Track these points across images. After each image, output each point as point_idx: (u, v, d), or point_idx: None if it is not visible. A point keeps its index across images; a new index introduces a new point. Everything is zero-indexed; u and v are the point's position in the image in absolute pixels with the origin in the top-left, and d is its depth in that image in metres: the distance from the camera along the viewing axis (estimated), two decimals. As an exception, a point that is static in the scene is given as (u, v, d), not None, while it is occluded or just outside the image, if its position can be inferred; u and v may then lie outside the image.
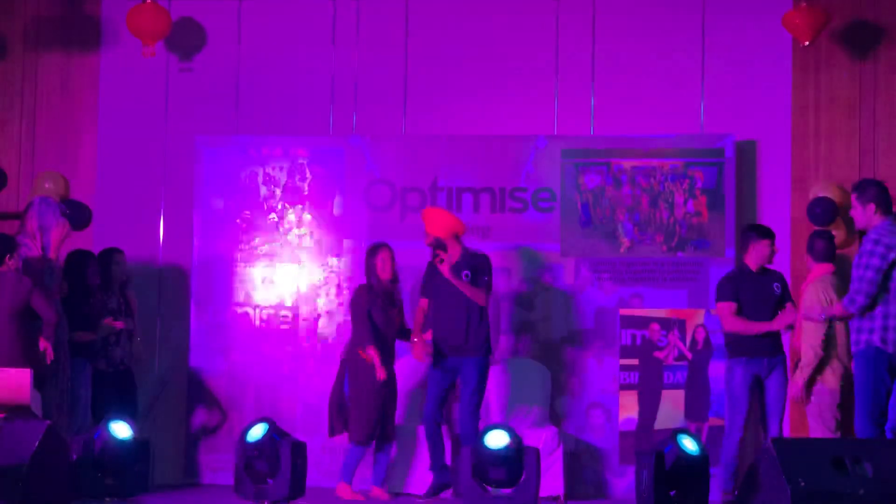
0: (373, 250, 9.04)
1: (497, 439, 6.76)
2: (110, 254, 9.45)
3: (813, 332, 8.47)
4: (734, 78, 9.91)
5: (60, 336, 8.62)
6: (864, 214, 7.70)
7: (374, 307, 8.89)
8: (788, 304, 8.55)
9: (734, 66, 9.93)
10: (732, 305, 8.54)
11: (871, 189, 7.72)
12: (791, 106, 9.87)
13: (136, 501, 6.89)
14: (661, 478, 6.56)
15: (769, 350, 8.52)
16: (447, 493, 8.75)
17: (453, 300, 8.81)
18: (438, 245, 8.88)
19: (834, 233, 9.14)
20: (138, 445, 7.01)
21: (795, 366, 8.65)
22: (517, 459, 6.73)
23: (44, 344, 8.14)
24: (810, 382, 8.51)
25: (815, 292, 8.54)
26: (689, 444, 6.63)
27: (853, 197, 7.76)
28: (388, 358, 8.90)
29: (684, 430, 6.81)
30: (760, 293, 8.56)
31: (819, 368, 8.47)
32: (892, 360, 7.57)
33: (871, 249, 7.56)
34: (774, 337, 8.56)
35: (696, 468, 6.61)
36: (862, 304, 7.53)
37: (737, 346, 8.53)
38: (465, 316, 8.83)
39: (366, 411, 8.77)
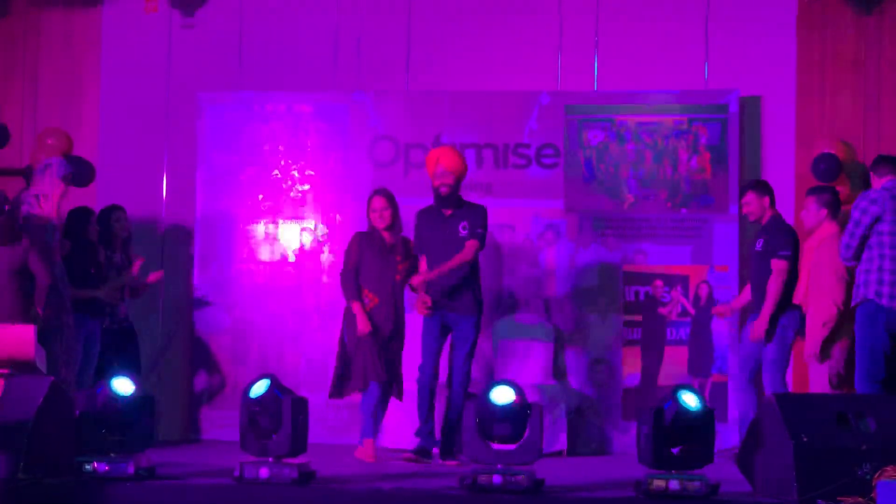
0: (370, 197, 8.76)
1: (502, 395, 6.76)
2: (111, 211, 9.43)
3: (835, 289, 8.44)
4: (739, 33, 9.86)
5: (63, 293, 8.62)
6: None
7: (370, 254, 8.61)
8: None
9: (739, 21, 9.88)
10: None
11: (886, 165, 7.95)
12: (796, 61, 9.82)
13: (140, 456, 6.91)
14: (660, 434, 6.58)
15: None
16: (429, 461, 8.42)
17: (445, 255, 8.49)
18: (453, 189, 8.52)
19: (838, 189, 9.11)
20: (142, 401, 7.02)
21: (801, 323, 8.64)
22: (521, 415, 6.74)
23: (38, 305, 8.16)
24: (830, 341, 8.48)
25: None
26: (689, 400, 6.63)
27: (871, 173, 7.96)
28: (388, 307, 8.58)
29: (687, 386, 6.80)
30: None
31: (841, 328, 8.43)
32: (890, 316, 7.59)
33: (855, 203, 7.88)
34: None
35: (699, 424, 6.61)
36: (849, 252, 7.81)
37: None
38: (462, 273, 8.52)
39: (360, 359, 8.48)
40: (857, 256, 7.83)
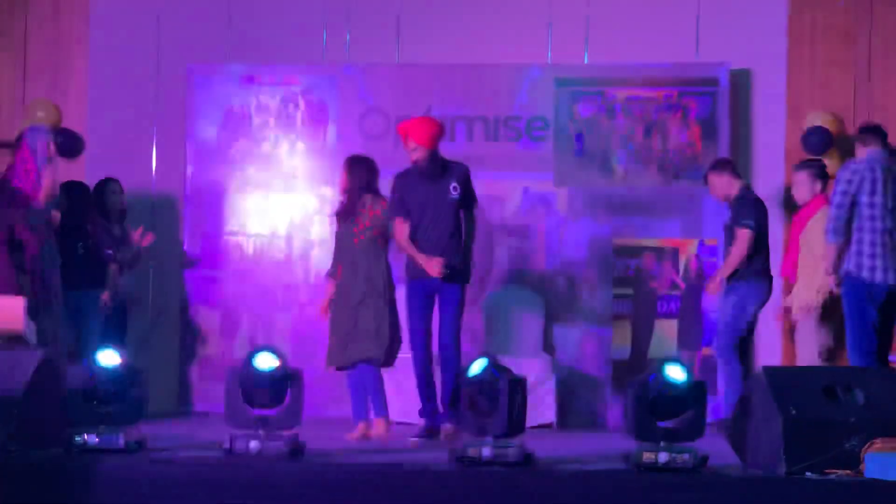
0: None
1: (476, 367, 6.78)
2: (105, 183, 9.45)
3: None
4: (729, 6, 9.83)
5: (53, 265, 8.61)
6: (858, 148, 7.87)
7: (337, 226, 8.38)
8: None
9: (729, -7, 9.87)
10: None
11: (870, 133, 7.93)
12: (787, 34, 9.81)
13: (131, 429, 6.91)
14: (647, 407, 6.59)
15: None
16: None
17: (435, 220, 8.15)
18: (430, 158, 8.12)
19: (828, 163, 9.12)
20: (131, 372, 7.00)
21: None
22: (496, 388, 6.76)
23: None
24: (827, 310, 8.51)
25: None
26: (675, 373, 6.63)
27: (856, 143, 7.95)
28: (352, 274, 8.22)
29: (673, 359, 6.80)
30: None
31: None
32: (872, 289, 7.63)
33: (837, 176, 7.89)
34: None
35: (687, 397, 6.61)
36: (832, 229, 7.79)
37: None
38: (448, 237, 8.18)
39: (332, 337, 8.24)
40: (844, 233, 7.82)
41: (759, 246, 8.64)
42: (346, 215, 8.28)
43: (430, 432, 8.09)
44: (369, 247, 8.22)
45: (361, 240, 8.22)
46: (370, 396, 8.21)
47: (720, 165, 8.91)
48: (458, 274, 8.17)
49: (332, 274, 8.38)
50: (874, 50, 9.74)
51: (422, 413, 8.25)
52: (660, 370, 6.67)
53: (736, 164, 9.18)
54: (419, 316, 8.20)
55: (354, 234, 8.22)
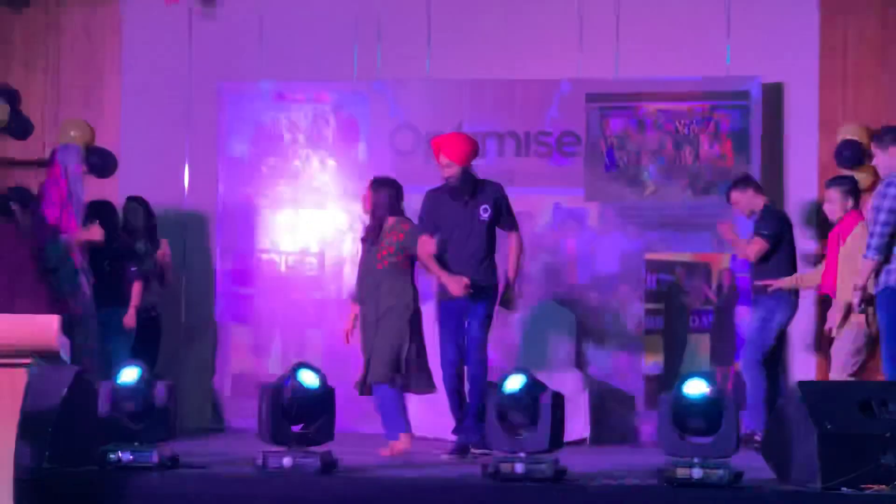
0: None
1: (514, 383, 6.75)
2: (126, 202, 9.53)
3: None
4: (760, 19, 9.82)
5: (89, 284, 8.69)
6: (886, 158, 7.68)
7: (362, 249, 8.24)
8: None
9: (761, 6, 9.84)
10: None
11: (891, 133, 7.71)
12: (819, 48, 9.77)
13: (164, 446, 6.93)
14: (672, 422, 6.57)
15: None
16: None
17: (464, 240, 8.04)
18: (462, 177, 7.99)
19: (861, 177, 9.07)
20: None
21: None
22: (535, 404, 6.74)
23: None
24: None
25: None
26: (699, 387, 6.60)
27: (872, 145, 7.77)
28: (371, 298, 8.08)
29: (698, 373, 6.76)
30: None
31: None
32: None
33: (884, 192, 7.58)
34: None
35: (713, 411, 6.57)
36: (878, 245, 7.55)
37: None
38: (476, 258, 8.06)
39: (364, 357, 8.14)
40: (886, 251, 7.71)
41: (786, 260, 8.70)
42: (370, 239, 8.16)
43: (462, 450, 8.00)
44: (392, 270, 8.06)
45: (385, 265, 8.06)
46: (385, 418, 8.10)
47: (743, 182, 8.97)
48: (484, 292, 8.04)
49: (355, 298, 8.26)
50: (907, 63, 9.70)
51: (455, 430, 8.17)
52: (688, 385, 6.64)
53: (766, 178, 9.19)
54: (450, 336, 8.09)
55: (378, 260, 8.08)
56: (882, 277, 7.71)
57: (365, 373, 8.11)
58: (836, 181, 8.76)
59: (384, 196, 8.15)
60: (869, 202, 8.04)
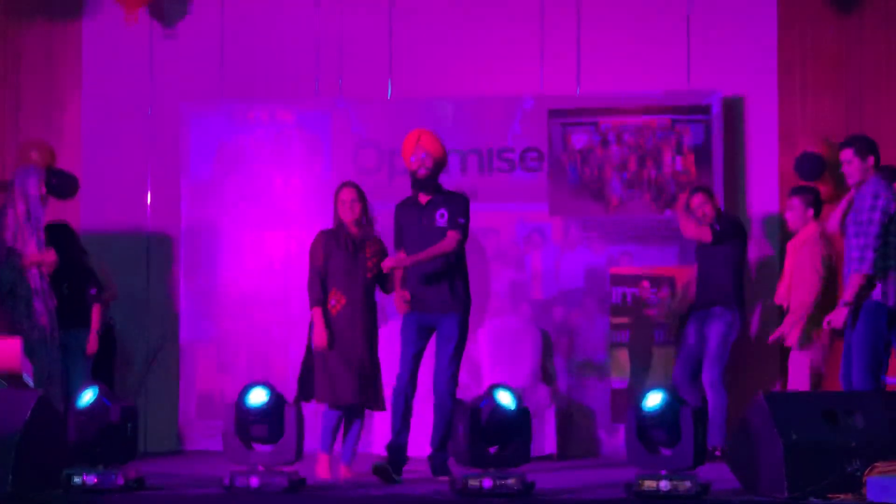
0: (337, 189, 8.02)
1: (654, 400, 6.69)
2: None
3: (813, 283, 8.51)
4: (720, 34, 9.88)
5: (48, 307, 8.63)
6: (862, 168, 7.67)
7: (337, 252, 7.87)
8: None
9: (720, 22, 9.89)
10: None
11: (871, 144, 7.72)
12: (777, 61, 9.84)
13: (129, 467, 6.89)
14: (639, 436, 6.59)
15: None
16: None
17: (422, 245, 7.78)
18: (432, 173, 7.84)
19: (821, 188, 9.14)
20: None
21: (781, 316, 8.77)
22: (512, 419, 6.74)
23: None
24: (809, 328, 8.53)
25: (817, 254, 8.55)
26: (653, 400, 6.63)
27: (850, 151, 7.70)
28: (357, 308, 7.82)
29: (659, 387, 6.78)
30: None
31: (816, 320, 8.43)
32: (892, 313, 7.56)
33: (871, 204, 7.55)
34: None
35: (678, 425, 6.58)
36: (872, 259, 7.51)
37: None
38: (444, 267, 7.81)
39: (326, 374, 7.76)
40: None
41: (738, 270, 8.89)
42: (358, 246, 7.92)
43: (384, 472, 7.52)
44: (373, 282, 7.95)
45: (371, 276, 7.90)
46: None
47: (699, 189, 9.21)
48: (451, 306, 7.83)
49: (319, 303, 7.89)
50: (865, 74, 9.76)
51: (387, 446, 7.83)
52: (655, 398, 6.66)
53: (727, 191, 9.33)
54: (407, 354, 7.83)
55: (368, 269, 7.90)
56: (871, 293, 7.67)
57: (330, 392, 7.84)
58: (800, 190, 8.84)
59: (366, 204, 8.02)
60: (833, 213, 8.08)
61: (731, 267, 9.01)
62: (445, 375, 7.79)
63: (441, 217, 7.86)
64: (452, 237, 7.79)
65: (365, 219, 7.95)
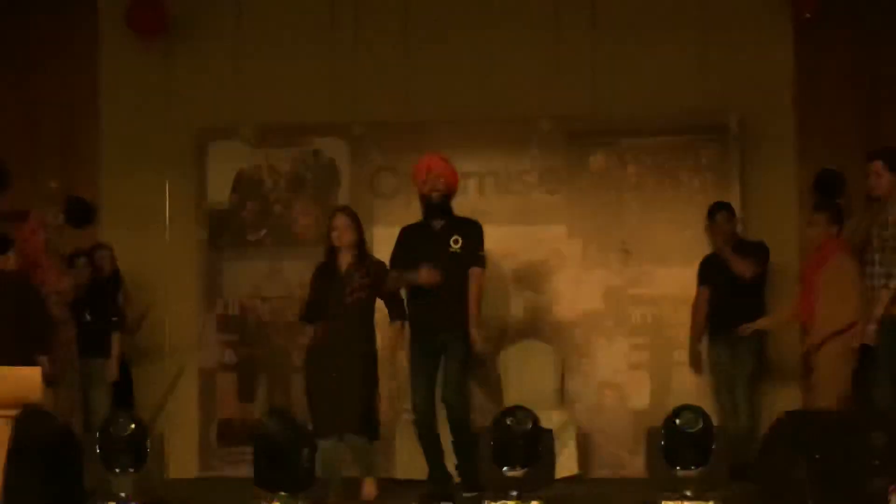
0: (331, 216, 8.14)
1: (515, 421, 6.73)
2: (93, 249, 9.49)
3: (850, 300, 8.43)
4: (736, 52, 9.85)
5: (67, 335, 8.66)
6: (892, 181, 7.62)
7: (321, 282, 7.96)
8: None
9: (736, 39, 9.87)
10: None
11: None
12: (793, 78, 9.82)
13: (152, 494, 6.89)
14: (663, 456, 6.56)
15: None
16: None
17: (443, 273, 7.83)
18: (445, 197, 7.91)
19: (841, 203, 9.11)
20: (147, 439, 6.96)
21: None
22: (533, 441, 6.73)
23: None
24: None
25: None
26: (688, 420, 6.60)
27: (879, 163, 7.66)
28: (340, 333, 7.83)
29: (688, 406, 6.76)
30: None
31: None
32: None
33: None
34: None
35: (703, 444, 6.57)
36: None
37: None
38: (458, 290, 7.84)
39: (316, 406, 7.86)
40: None
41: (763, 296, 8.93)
42: (344, 274, 7.94)
43: (434, 499, 7.56)
44: (356, 305, 7.93)
45: (352, 300, 7.90)
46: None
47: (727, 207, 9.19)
48: (459, 325, 7.81)
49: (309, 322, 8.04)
50: (881, 89, 9.74)
51: (428, 478, 7.93)
52: (677, 418, 6.64)
53: (746, 209, 9.34)
54: (421, 379, 7.88)
55: (347, 294, 7.90)
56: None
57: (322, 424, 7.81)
58: (824, 206, 8.77)
59: (359, 231, 8.05)
60: (855, 228, 8.07)
61: (759, 289, 9.02)
62: (456, 397, 7.76)
63: (455, 242, 7.88)
64: (477, 275, 7.86)
65: (357, 245, 7.95)
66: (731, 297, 9.07)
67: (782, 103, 9.82)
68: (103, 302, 9.23)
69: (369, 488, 7.92)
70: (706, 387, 9.42)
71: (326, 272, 7.99)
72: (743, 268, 9.03)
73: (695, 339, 9.35)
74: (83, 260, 9.31)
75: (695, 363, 9.37)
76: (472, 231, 7.97)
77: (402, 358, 8.30)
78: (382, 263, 8.08)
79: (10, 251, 8.30)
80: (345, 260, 7.99)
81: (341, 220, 7.99)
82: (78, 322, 8.92)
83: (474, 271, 7.88)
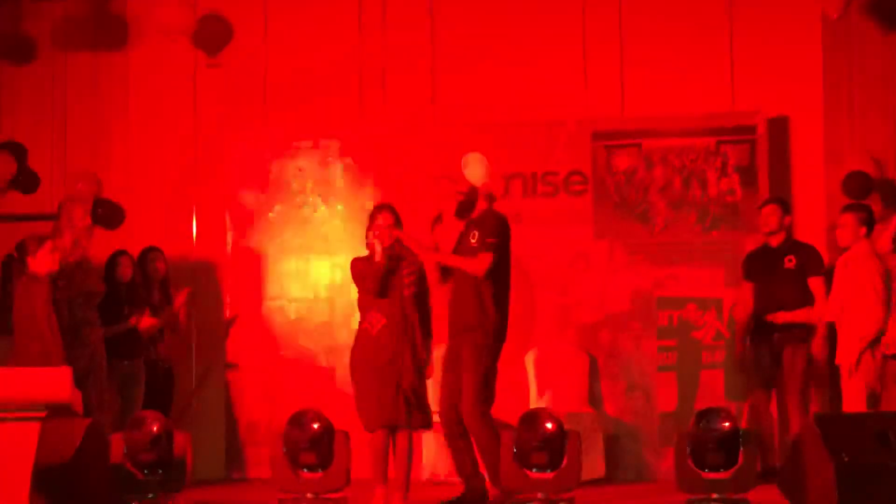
0: (373, 213, 7.94)
1: (540, 424, 6.74)
2: (146, 252, 9.54)
3: (876, 305, 8.40)
4: (764, 53, 9.84)
5: (94, 335, 8.69)
6: None
7: (371, 274, 7.77)
8: None
9: (763, 41, 9.86)
10: None
11: None
12: (822, 80, 9.79)
13: (179, 496, 6.91)
14: (692, 459, 6.55)
15: None
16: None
17: (461, 274, 7.69)
18: (468, 197, 7.75)
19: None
20: (176, 440, 7.01)
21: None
22: (559, 443, 6.72)
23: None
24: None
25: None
26: (718, 423, 6.60)
27: None
28: (396, 325, 7.68)
29: (717, 409, 6.76)
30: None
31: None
32: None
33: None
34: None
35: (727, 445, 6.56)
36: None
37: None
38: (471, 289, 7.65)
39: (366, 397, 7.66)
40: None
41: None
42: (392, 265, 7.81)
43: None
44: (412, 298, 7.80)
45: (409, 293, 7.79)
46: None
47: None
48: (475, 328, 7.65)
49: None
50: (911, 92, 9.71)
51: (459, 474, 7.79)
52: (705, 421, 6.63)
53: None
54: (446, 385, 7.73)
55: (405, 285, 7.78)
56: None
57: (369, 416, 7.73)
58: (854, 207, 8.73)
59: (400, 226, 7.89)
60: (885, 232, 8.03)
61: (805, 290, 8.98)
62: (468, 401, 7.56)
63: (473, 238, 7.74)
64: (483, 259, 7.63)
65: (399, 242, 7.79)
66: (776, 293, 8.99)
67: (810, 104, 9.78)
68: (139, 304, 9.28)
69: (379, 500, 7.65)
70: (734, 388, 9.38)
71: (371, 266, 7.80)
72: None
73: (740, 336, 9.27)
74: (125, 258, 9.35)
75: (741, 361, 9.29)
76: (488, 222, 7.76)
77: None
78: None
79: (40, 251, 8.33)
80: (387, 255, 7.81)
81: (385, 217, 7.86)
82: (112, 324, 8.96)
83: (480, 255, 7.66)
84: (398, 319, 7.70)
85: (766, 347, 9.08)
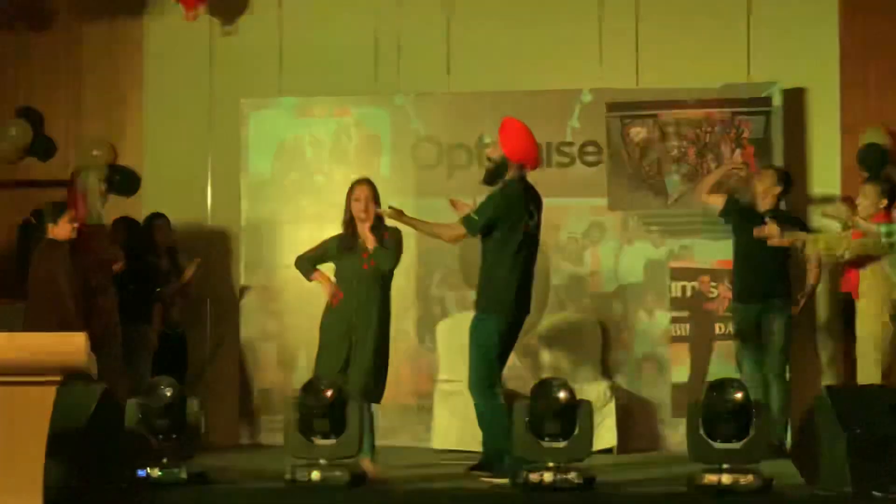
0: (350, 187, 8.01)
1: (552, 393, 6.75)
2: (151, 219, 9.58)
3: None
4: (780, 25, 9.80)
5: (109, 302, 8.74)
6: None
7: (341, 250, 7.90)
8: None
9: (780, 13, 9.82)
10: None
11: None
12: (839, 52, 9.75)
13: (192, 461, 6.94)
14: (704, 429, 6.56)
15: None
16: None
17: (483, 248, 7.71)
18: (496, 164, 7.68)
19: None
20: (190, 406, 7.04)
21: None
22: (571, 413, 6.74)
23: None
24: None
25: None
26: (729, 394, 6.60)
27: None
28: (354, 299, 7.76)
29: (729, 380, 6.77)
30: None
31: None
32: None
33: None
34: None
35: (745, 419, 6.56)
36: None
37: None
38: (483, 265, 7.70)
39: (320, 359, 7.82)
40: None
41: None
42: (362, 244, 7.88)
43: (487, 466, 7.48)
44: (371, 272, 7.81)
45: (368, 267, 7.81)
46: None
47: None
48: (477, 304, 7.70)
49: (311, 273, 8.09)
50: (928, 64, 9.67)
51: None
52: (717, 392, 6.64)
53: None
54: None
55: (364, 260, 7.83)
56: None
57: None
58: (874, 179, 8.72)
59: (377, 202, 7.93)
60: None
61: (785, 258, 8.94)
62: (472, 378, 7.59)
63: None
64: (455, 228, 7.71)
65: (376, 216, 7.81)
66: (760, 265, 8.95)
67: (827, 77, 9.75)
68: (147, 271, 9.31)
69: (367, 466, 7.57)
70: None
71: (346, 241, 7.90)
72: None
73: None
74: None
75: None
76: (487, 197, 7.77)
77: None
78: (399, 231, 7.97)
79: (61, 218, 8.34)
80: (364, 230, 7.87)
81: (364, 191, 7.90)
82: (123, 291, 9.00)
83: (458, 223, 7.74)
84: (360, 294, 7.71)
85: (749, 314, 9.04)
